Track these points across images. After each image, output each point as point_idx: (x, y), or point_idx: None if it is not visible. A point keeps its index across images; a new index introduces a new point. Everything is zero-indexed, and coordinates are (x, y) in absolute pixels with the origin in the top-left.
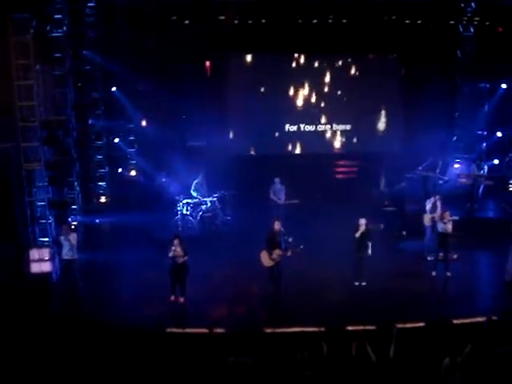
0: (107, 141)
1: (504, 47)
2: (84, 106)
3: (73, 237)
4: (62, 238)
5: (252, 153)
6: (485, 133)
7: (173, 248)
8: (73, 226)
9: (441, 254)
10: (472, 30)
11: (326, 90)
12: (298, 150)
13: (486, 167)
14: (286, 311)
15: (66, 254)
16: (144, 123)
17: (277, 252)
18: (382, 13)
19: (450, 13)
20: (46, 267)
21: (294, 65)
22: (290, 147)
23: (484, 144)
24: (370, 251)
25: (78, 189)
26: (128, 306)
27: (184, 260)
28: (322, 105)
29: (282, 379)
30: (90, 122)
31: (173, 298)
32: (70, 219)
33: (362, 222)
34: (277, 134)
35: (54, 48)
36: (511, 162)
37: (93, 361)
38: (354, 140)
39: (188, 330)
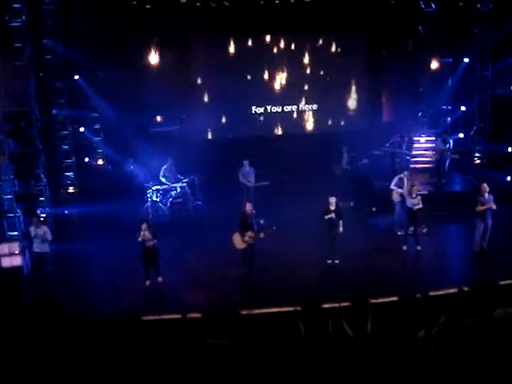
0: (72, 130)
1: (465, 21)
2: (47, 96)
3: (43, 229)
4: (33, 230)
5: (220, 136)
6: (449, 107)
7: (141, 233)
8: (42, 219)
9: (411, 229)
10: (433, 5)
11: (291, 70)
12: (265, 132)
13: (451, 141)
14: (261, 293)
15: (37, 246)
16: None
17: (249, 234)
18: None
19: None
20: (17, 261)
21: (257, 46)
22: (257, 129)
23: (449, 118)
24: (341, 229)
25: (44, 180)
26: (102, 295)
27: (153, 243)
28: (288, 85)
29: (260, 360)
30: (53, 112)
31: (148, 282)
32: (38, 211)
33: (332, 200)
34: (245, 116)
35: (13, 38)
36: (476, 136)
37: (68, 352)
38: (321, 119)
39: (163, 317)
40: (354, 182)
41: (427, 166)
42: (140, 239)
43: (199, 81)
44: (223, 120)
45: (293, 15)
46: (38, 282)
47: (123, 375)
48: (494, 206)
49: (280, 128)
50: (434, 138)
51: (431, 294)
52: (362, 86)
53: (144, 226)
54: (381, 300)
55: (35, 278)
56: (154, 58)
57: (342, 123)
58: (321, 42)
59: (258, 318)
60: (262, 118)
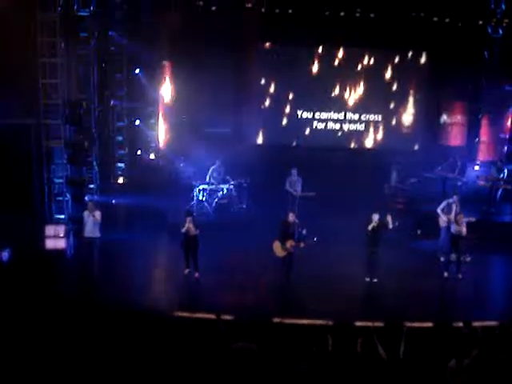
0: (128, 122)
1: None
2: (107, 86)
3: (97, 214)
4: (86, 214)
5: (273, 142)
6: (507, 136)
7: (186, 224)
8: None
9: (453, 256)
10: (501, 31)
11: (350, 84)
12: (318, 143)
13: (506, 171)
14: (295, 302)
15: (90, 231)
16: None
17: (290, 243)
18: (410, 9)
19: (479, 13)
20: (61, 244)
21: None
22: (309, 139)
23: (506, 147)
24: (390, 226)
25: (96, 168)
26: (139, 288)
27: (196, 233)
28: (345, 98)
29: (283, 369)
30: (112, 102)
31: (187, 271)
32: (86, 198)
33: (375, 217)
34: (298, 125)
35: (80, 27)
36: None
37: (100, 341)
38: (376, 135)
39: (197, 315)
40: (402, 203)
41: (478, 193)
42: (183, 230)
43: (259, 86)
44: (279, 126)
45: (357, 30)
46: (81, 266)
47: (147, 369)
48: None
49: (333, 139)
50: (487, 166)
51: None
52: (421, 105)
53: (189, 218)
54: (415, 324)
55: (78, 262)
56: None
57: (397, 141)
58: (384, 58)
59: (289, 327)
60: (315, 127)
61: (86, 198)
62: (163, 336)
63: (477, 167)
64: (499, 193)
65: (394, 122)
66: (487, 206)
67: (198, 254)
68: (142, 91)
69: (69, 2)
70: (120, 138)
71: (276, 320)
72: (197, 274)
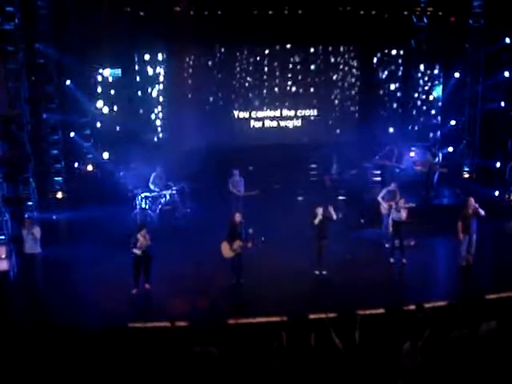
0: (63, 135)
1: (456, 36)
2: (38, 99)
3: (36, 230)
4: (25, 232)
5: (210, 144)
6: (439, 121)
7: (139, 237)
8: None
9: (397, 242)
10: (426, 20)
11: (284, 79)
12: (256, 141)
13: (440, 155)
14: (248, 302)
15: (30, 247)
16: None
17: (237, 243)
18: (336, 4)
19: (403, 3)
20: (3, 265)
21: (249, 56)
22: (248, 138)
23: (438, 132)
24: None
25: (33, 184)
26: (88, 302)
27: (148, 248)
28: (280, 93)
29: (249, 369)
30: (44, 116)
31: (135, 290)
32: (26, 216)
33: (319, 210)
34: (235, 125)
35: (6, 41)
36: (465, 150)
37: (53, 360)
38: (311, 129)
39: (150, 325)
40: (343, 194)
41: (416, 178)
42: (137, 248)
43: (190, 89)
44: (213, 128)
45: (286, 27)
46: (24, 286)
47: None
48: (483, 212)
49: (271, 137)
50: (423, 152)
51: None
52: (354, 97)
53: (143, 231)
54: (368, 312)
55: (21, 282)
56: (146, 63)
57: (334, 133)
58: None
59: (244, 327)
60: (252, 126)
61: (26, 216)
62: (119, 349)
63: (413, 153)
64: (436, 177)
65: (330, 116)
66: (426, 191)
67: (150, 268)
68: (74, 102)
69: None
70: (55, 152)
71: (231, 321)
72: (147, 285)
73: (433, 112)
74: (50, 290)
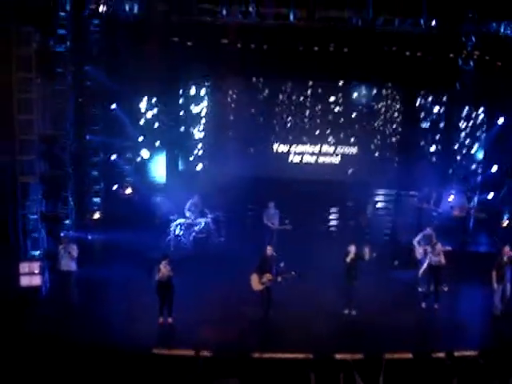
0: (104, 157)
1: (503, 81)
2: (83, 121)
3: (73, 248)
4: (62, 249)
5: (247, 175)
6: (480, 166)
7: (160, 268)
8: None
9: (432, 286)
10: (471, 63)
11: (325, 118)
12: (294, 175)
13: (475, 199)
14: (274, 337)
15: (66, 265)
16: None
17: (267, 276)
18: (382, 43)
19: (450, 46)
20: (36, 281)
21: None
22: (286, 171)
23: (479, 177)
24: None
25: (71, 204)
26: (116, 324)
27: (169, 278)
28: (320, 131)
29: None
30: (87, 137)
31: (161, 320)
32: (62, 234)
33: (352, 249)
34: (274, 158)
35: (56, 63)
36: (505, 197)
37: (77, 381)
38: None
39: (174, 352)
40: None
41: (453, 223)
42: (156, 278)
43: (231, 120)
44: (251, 160)
45: (331, 64)
46: (56, 302)
47: None
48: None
49: (309, 172)
50: (461, 196)
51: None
52: (394, 137)
53: (165, 261)
54: (395, 356)
55: (54, 298)
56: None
57: (373, 173)
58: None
59: (269, 362)
60: (291, 160)
61: (62, 234)
62: (142, 374)
63: (451, 197)
64: (471, 222)
65: (370, 156)
66: (462, 236)
67: (172, 299)
68: (118, 126)
69: (45, 37)
70: (95, 173)
71: (256, 355)
72: (170, 319)
73: (475, 156)
74: (79, 308)
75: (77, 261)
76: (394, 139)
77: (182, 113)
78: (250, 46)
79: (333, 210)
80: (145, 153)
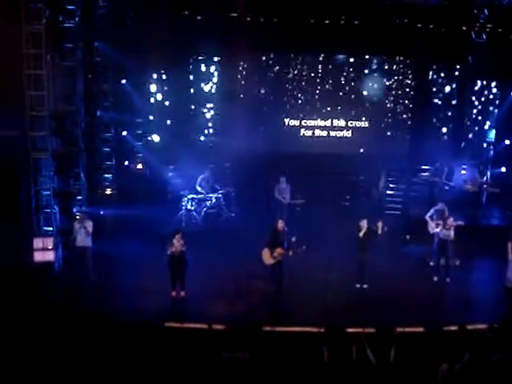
0: (115, 133)
1: None
2: (93, 97)
3: (89, 224)
4: (78, 225)
5: (258, 150)
6: (493, 139)
7: (174, 242)
8: (78, 216)
9: (442, 260)
10: (484, 36)
11: (335, 89)
12: (305, 149)
13: (488, 174)
14: (286, 310)
15: (82, 241)
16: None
17: (278, 251)
18: (393, 15)
19: (462, 19)
20: (50, 256)
21: (303, 64)
22: (297, 145)
23: (491, 151)
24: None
25: (83, 180)
26: (128, 298)
27: (183, 253)
28: (331, 105)
29: (279, 377)
30: (98, 113)
31: (174, 293)
32: (74, 209)
33: (364, 223)
34: (285, 132)
35: (65, 38)
36: None
37: (89, 352)
38: (362, 141)
39: (186, 325)
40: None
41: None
42: (169, 252)
43: (242, 95)
44: (263, 134)
45: (342, 36)
46: (70, 278)
47: (141, 381)
48: None
49: (320, 146)
50: (473, 170)
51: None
52: (406, 110)
53: (178, 235)
54: (407, 329)
55: (66, 274)
56: (201, 69)
57: (382, 146)
58: (368, 63)
59: (280, 335)
60: (303, 134)
61: (75, 210)
62: (154, 347)
63: (463, 171)
64: (484, 196)
65: (381, 129)
66: (474, 210)
67: (185, 273)
68: (128, 102)
69: (54, 13)
70: (107, 149)
71: (267, 328)
72: (182, 293)
73: (487, 130)
74: (92, 283)
75: (92, 237)
76: (405, 116)
77: (191, 90)
78: (259, 20)
79: (345, 184)
80: (156, 137)
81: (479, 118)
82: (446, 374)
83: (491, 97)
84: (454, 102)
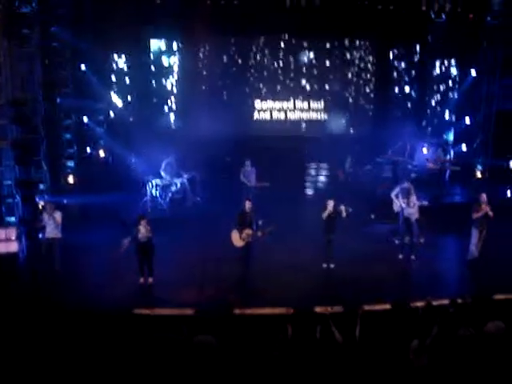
0: (76, 120)
1: (474, 34)
2: (52, 83)
3: (58, 215)
4: (46, 216)
5: (222, 134)
6: (453, 118)
7: (139, 228)
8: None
9: (407, 238)
10: (443, 16)
11: (297, 70)
12: (269, 132)
13: (452, 152)
14: (255, 292)
15: (51, 232)
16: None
17: (247, 231)
18: None
19: None
20: (13, 247)
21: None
22: (261, 129)
23: (452, 130)
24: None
25: (45, 168)
26: (96, 286)
27: (149, 239)
28: (293, 88)
29: (249, 360)
30: (58, 100)
31: (142, 280)
32: (37, 199)
33: (330, 203)
34: (249, 115)
35: (22, 24)
36: (478, 149)
37: (58, 343)
38: (326, 122)
39: (156, 312)
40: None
41: (428, 176)
42: (136, 238)
43: (204, 78)
44: (226, 118)
45: (302, 19)
46: (36, 269)
47: (110, 369)
48: (491, 213)
49: (284, 129)
50: (435, 149)
51: (423, 304)
52: (368, 91)
53: (143, 221)
54: (374, 307)
55: (31, 264)
56: (161, 52)
57: (349, 128)
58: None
59: (250, 318)
60: (265, 118)
61: (37, 199)
62: (122, 334)
63: (425, 150)
64: (447, 174)
65: (344, 111)
66: (437, 188)
67: (153, 261)
68: (88, 88)
69: None
70: (68, 136)
71: (237, 311)
72: (150, 279)
73: (447, 109)
74: (60, 273)
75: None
76: (367, 89)
77: (152, 67)
78: (219, 2)
79: (310, 166)
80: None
81: (439, 97)
82: (417, 349)
83: (451, 76)
84: (414, 80)
